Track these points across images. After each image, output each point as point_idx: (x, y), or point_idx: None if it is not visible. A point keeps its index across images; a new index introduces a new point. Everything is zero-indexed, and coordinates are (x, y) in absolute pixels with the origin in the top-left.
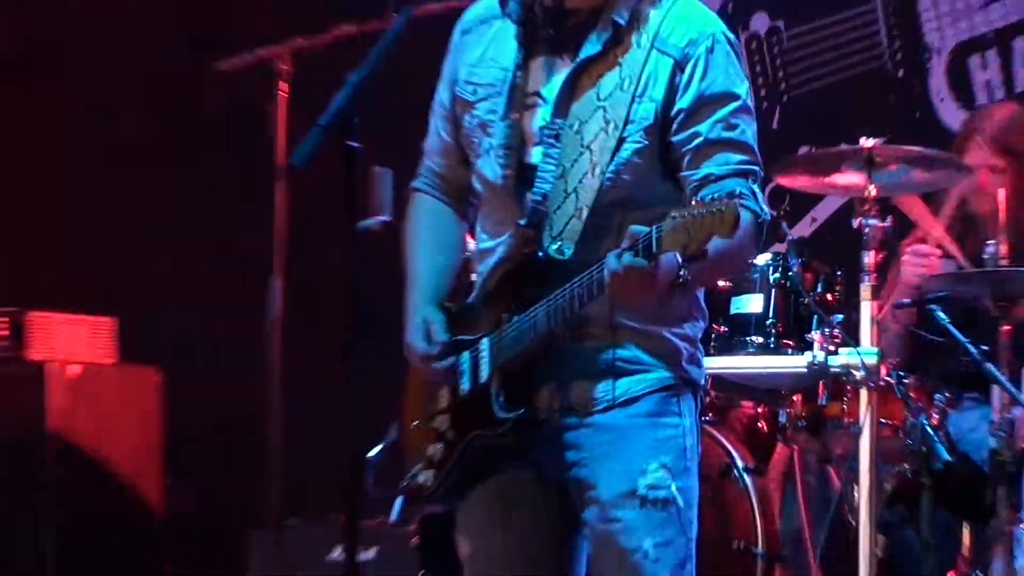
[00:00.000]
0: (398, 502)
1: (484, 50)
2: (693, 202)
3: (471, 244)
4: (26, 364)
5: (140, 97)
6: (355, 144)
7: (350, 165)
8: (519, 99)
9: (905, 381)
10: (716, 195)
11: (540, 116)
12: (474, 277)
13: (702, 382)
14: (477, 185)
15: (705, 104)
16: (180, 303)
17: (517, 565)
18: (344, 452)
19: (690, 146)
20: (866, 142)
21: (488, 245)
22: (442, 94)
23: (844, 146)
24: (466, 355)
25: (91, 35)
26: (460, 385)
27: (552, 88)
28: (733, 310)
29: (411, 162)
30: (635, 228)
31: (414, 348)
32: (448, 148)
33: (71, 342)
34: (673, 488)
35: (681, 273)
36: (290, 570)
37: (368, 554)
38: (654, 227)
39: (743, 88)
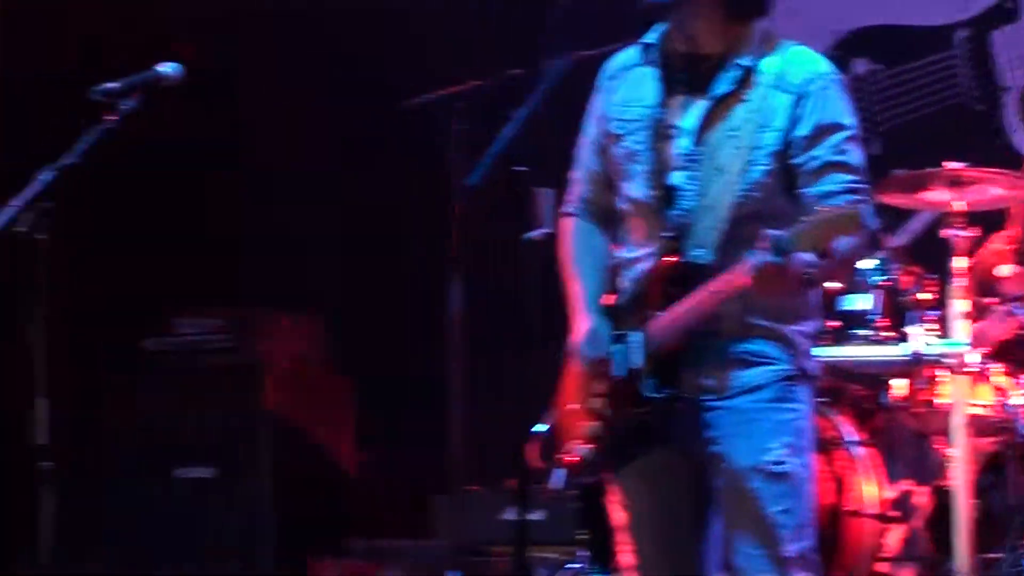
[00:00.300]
0: (561, 473)
1: (629, 92)
2: (820, 208)
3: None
4: (248, 355)
5: (350, 123)
6: (520, 168)
7: (516, 186)
8: (661, 131)
9: (992, 366)
10: (839, 201)
11: (679, 145)
12: (620, 282)
13: (816, 372)
14: (623, 205)
15: (820, 133)
16: (378, 302)
17: (661, 527)
18: (515, 427)
19: (808, 168)
20: (951, 165)
21: (635, 255)
22: (591, 130)
23: (933, 169)
24: (620, 347)
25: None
26: (615, 372)
27: (689, 121)
28: (844, 307)
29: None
30: (772, 232)
31: (585, 352)
32: (596, 176)
33: (284, 336)
34: (793, 464)
35: (809, 271)
36: (469, 530)
37: (535, 515)
38: (788, 230)
39: (851, 120)
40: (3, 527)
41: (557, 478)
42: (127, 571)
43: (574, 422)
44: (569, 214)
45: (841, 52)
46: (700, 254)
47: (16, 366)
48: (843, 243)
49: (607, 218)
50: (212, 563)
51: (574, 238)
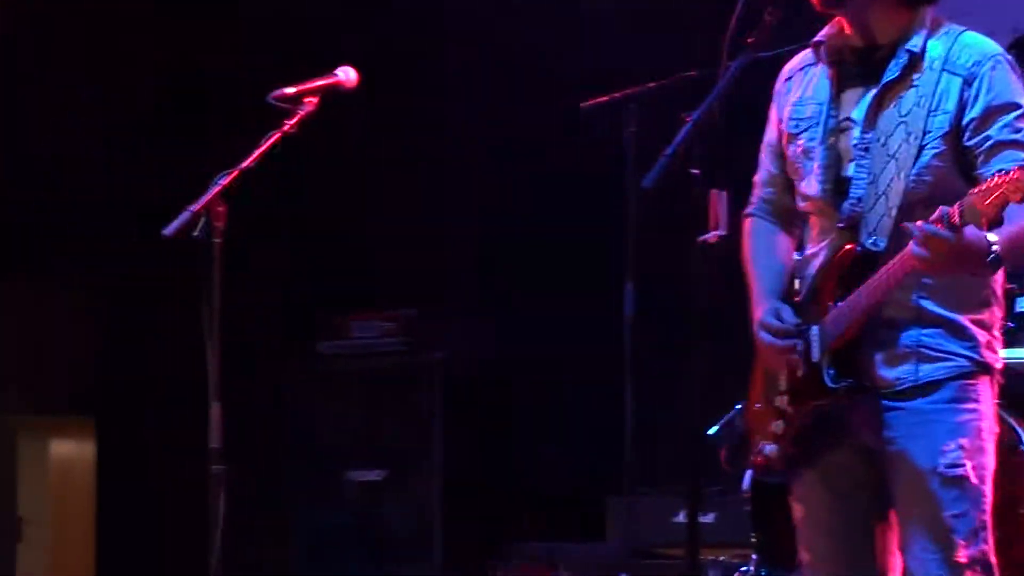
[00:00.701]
0: (747, 474)
1: (803, 92)
2: (987, 178)
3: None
4: (421, 357)
5: (524, 124)
6: (695, 170)
7: (691, 188)
8: (834, 126)
9: None
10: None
11: (852, 136)
12: (797, 282)
13: (998, 366)
14: (801, 203)
15: (992, 113)
16: (550, 303)
17: (838, 523)
18: (688, 430)
19: (982, 148)
20: None
21: (813, 251)
22: (770, 134)
23: None
24: (800, 343)
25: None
26: (796, 368)
27: (860, 111)
28: (1018, 309)
29: (742, 184)
30: (942, 207)
31: (769, 325)
32: (776, 179)
33: (456, 338)
34: (968, 467)
35: (993, 249)
36: (640, 533)
37: (707, 518)
38: (957, 203)
39: (1023, 99)
40: (177, 530)
41: (745, 480)
42: (298, 572)
43: (760, 421)
44: (750, 215)
45: (1019, 51)
46: (874, 242)
47: (191, 370)
48: (1014, 211)
49: (788, 219)
50: (383, 565)
51: (754, 239)
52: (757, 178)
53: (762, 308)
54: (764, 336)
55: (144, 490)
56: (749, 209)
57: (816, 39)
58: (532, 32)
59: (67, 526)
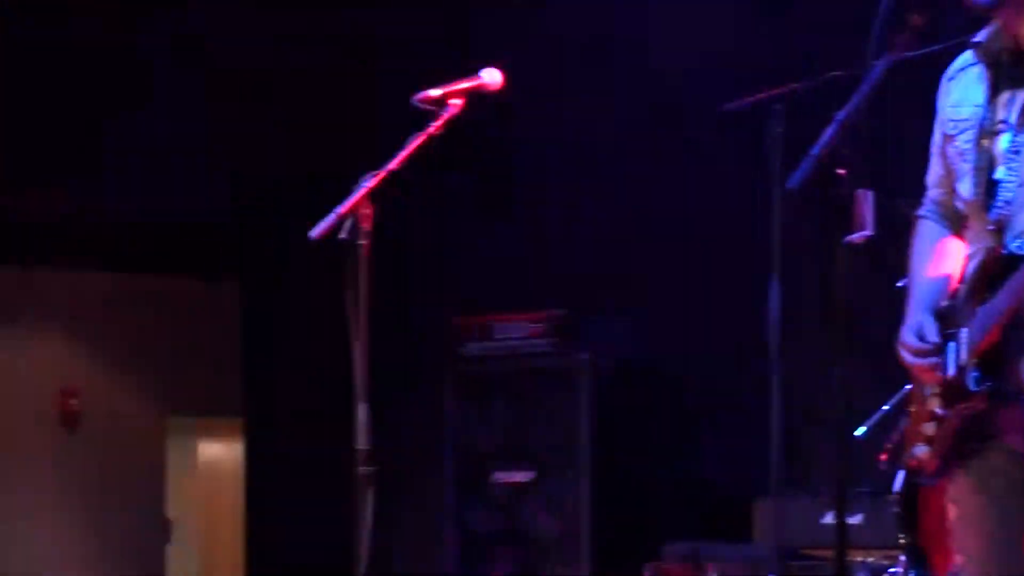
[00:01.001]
0: (900, 475)
1: (961, 93)
2: None
3: None
4: (568, 358)
5: (669, 125)
6: (842, 171)
7: (838, 188)
8: (988, 128)
9: None
10: None
11: (1005, 139)
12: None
13: None
14: (959, 205)
15: None
16: (696, 305)
17: (989, 526)
18: (834, 431)
19: None
20: None
21: (970, 252)
22: (936, 134)
23: None
24: (952, 344)
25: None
26: (946, 370)
27: (1013, 114)
28: None
29: (888, 184)
30: None
31: (908, 344)
32: (944, 180)
33: (603, 339)
34: None
35: None
36: (788, 534)
37: (855, 519)
38: None
39: None
40: (326, 531)
41: (897, 481)
42: (447, 572)
43: (915, 423)
44: (920, 216)
45: None
46: (1019, 245)
47: (339, 371)
48: None
49: (958, 219)
50: (531, 565)
51: (919, 243)
52: (928, 178)
53: (907, 321)
54: (903, 354)
55: (292, 490)
56: (920, 210)
57: (975, 39)
58: (676, 33)
59: (215, 527)
